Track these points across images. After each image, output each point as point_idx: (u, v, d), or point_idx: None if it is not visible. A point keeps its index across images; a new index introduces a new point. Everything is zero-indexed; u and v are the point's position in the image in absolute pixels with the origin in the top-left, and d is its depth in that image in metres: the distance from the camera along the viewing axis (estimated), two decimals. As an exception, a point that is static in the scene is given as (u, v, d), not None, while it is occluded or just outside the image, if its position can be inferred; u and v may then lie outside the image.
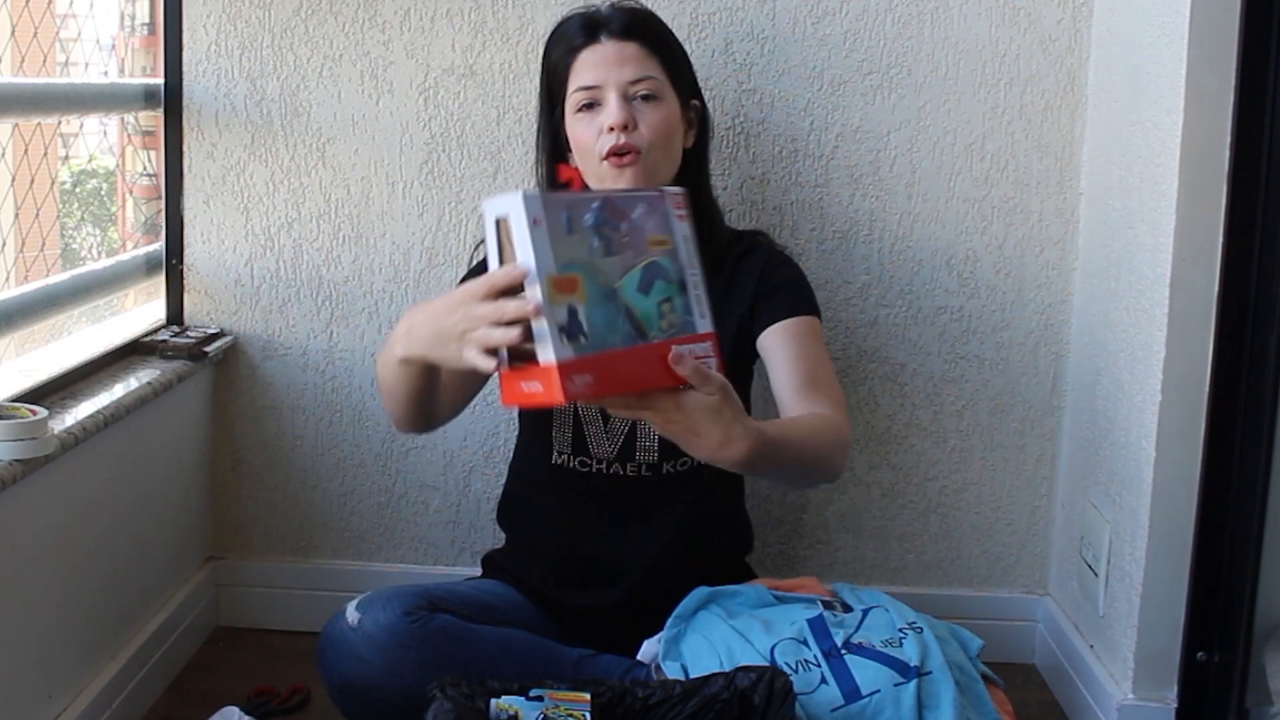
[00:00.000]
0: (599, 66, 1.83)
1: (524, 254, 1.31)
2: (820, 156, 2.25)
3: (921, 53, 2.23)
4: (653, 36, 1.87)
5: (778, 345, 1.83)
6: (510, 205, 1.32)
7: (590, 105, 1.83)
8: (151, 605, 2.14)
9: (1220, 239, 1.84)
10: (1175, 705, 1.94)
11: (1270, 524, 1.84)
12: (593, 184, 1.84)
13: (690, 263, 1.44)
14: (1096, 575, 2.10)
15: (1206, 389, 1.86)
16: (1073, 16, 2.21)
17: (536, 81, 2.14)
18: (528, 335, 1.31)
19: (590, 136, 1.82)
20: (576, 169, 1.88)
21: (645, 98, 1.82)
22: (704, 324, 1.44)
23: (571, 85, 1.85)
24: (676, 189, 1.47)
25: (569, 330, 1.31)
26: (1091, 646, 2.13)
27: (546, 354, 1.30)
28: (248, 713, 1.93)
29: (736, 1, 2.22)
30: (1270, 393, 1.80)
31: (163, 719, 2.05)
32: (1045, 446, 2.32)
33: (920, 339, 2.30)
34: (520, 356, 1.33)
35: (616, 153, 1.79)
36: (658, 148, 1.82)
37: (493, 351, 1.36)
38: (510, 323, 1.32)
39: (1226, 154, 1.82)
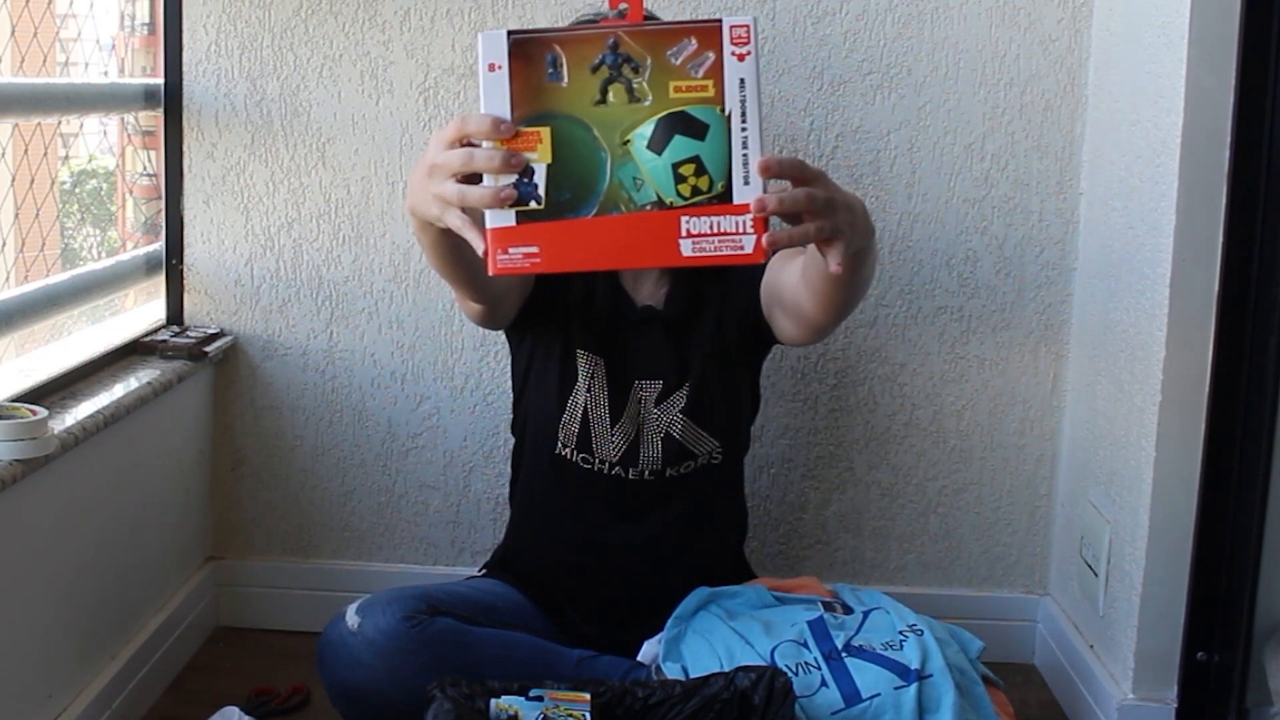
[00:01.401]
0: None
1: (482, 103, 1.18)
2: (820, 156, 2.25)
3: (921, 53, 2.23)
4: None
5: (776, 266, 1.77)
6: (479, 46, 1.18)
7: None
8: (151, 605, 2.14)
9: (1220, 239, 1.83)
10: (1175, 705, 1.94)
11: (1270, 524, 1.84)
12: None
13: (744, 114, 1.19)
14: (1096, 575, 2.10)
15: (1206, 389, 1.86)
16: (1073, 16, 2.21)
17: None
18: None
19: None
20: None
21: None
22: (749, 191, 1.19)
23: None
24: (743, 18, 1.20)
25: (518, 193, 1.17)
26: (1091, 646, 2.13)
27: (488, 219, 1.18)
28: (248, 713, 1.92)
29: (736, 2, 2.21)
30: (1270, 393, 1.80)
31: (163, 719, 2.05)
32: (1045, 446, 2.32)
33: (920, 339, 2.30)
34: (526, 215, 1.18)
35: None
36: None
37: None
38: (468, 179, 1.19)
39: (1226, 154, 1.82)
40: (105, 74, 2.47)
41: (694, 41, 1.19)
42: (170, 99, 2.26)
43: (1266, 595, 1.86)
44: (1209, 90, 1.81)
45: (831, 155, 2.25)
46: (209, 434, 2.34)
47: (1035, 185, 2.26)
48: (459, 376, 2.31)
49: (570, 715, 1.54)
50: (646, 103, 1.19)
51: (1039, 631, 2.34)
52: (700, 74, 1.19)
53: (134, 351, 2.18)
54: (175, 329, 2.28)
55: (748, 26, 1.19)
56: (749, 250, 1.19)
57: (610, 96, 1.19)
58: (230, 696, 2.02)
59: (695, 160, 1.19)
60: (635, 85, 1.19)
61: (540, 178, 1.17)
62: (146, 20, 2.58)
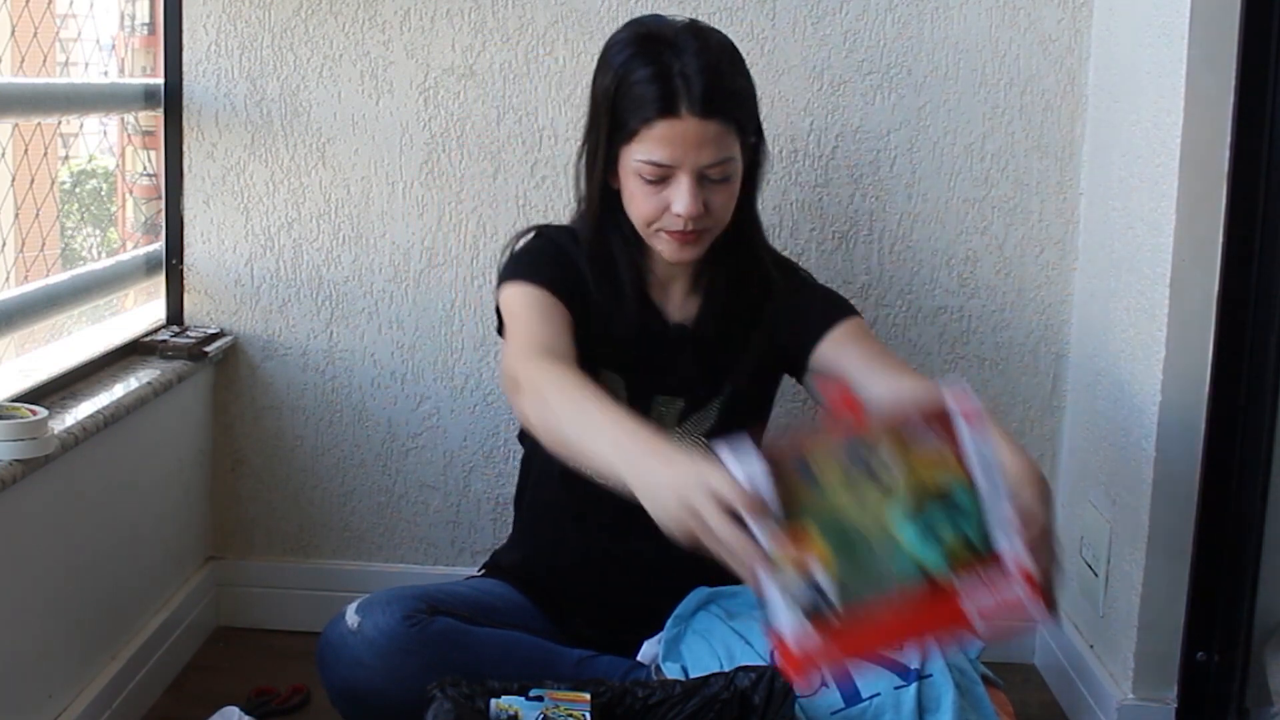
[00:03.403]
0: (675, 145, 1.68)
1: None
2: (820, 156, 2.25)
3: (921, 53, 2.23)
4: (733, 107, 1.72)
5: (848, 344, 1.78)
6: (731, 463, 1.22)
7: (658, 181, 1.72)
8: (151, 605, 2.14)
9: (1220, 239, 1.83)
10: (1175, 705, 1.94)
11: (1270, 524, 1.84)
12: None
13: (989, 476, 1.21)
14: (1096, 575, 2.10)
15: (1206, 389, 1.86)
16: (1073, 16, 2.21)
17: (536, 81, 2.13)
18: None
19: (651, 209, 1.74)
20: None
21: (718, 180, 1.73)
22: (1010, 550, 1.20)
23: (639, 153, 1.71)
24: (958, 384, 1.24)
25: (806, 601, 1.18)
26: (1091, 646, 2.13)
27: (779, 622, 1.19)
28: (248, 713, 1.92)
29: (736, 1, 2.21)
30: (1270, 393, 1.80)
31: (162, 719, 2.05)
32: (1045, 446, 2.32)
33: (920, 339, 2.30)
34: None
35: (680, 233, 1.74)
36: (721, 223, 1.78)
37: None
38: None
39: (1226, 154, 1.82)
40: (105, 74, 2.47)
41: (924, 421, 1.22)
42: (170, 99, 2.26)
43: (1266, 595, 1.86)
44: (1209, 90, 1.81)
45: (831, 155, 2.25)
46: (209, 434, 2.34)
47: (1035, 185, 2.26)
48: (459, 376, 2.31)
49: (570, 715, 1.54)
50: (897, 489, 1.21)
51: (1039, 631, 2.34)
52: (940, 451, 1.22)
53: (134, 351, 2.18)
54: (175, 329, 2.28)
55: (967, 393, 1.23)
56: (1038, 616, 1.21)
57: (863, 490, 1.21)
58: (230, 696, 2.02)
59: (959, 535, 1.20)
60: (883, 475, 1.21)
61: (821, 577, 1.19)
62: (146, 20, 2.58)
